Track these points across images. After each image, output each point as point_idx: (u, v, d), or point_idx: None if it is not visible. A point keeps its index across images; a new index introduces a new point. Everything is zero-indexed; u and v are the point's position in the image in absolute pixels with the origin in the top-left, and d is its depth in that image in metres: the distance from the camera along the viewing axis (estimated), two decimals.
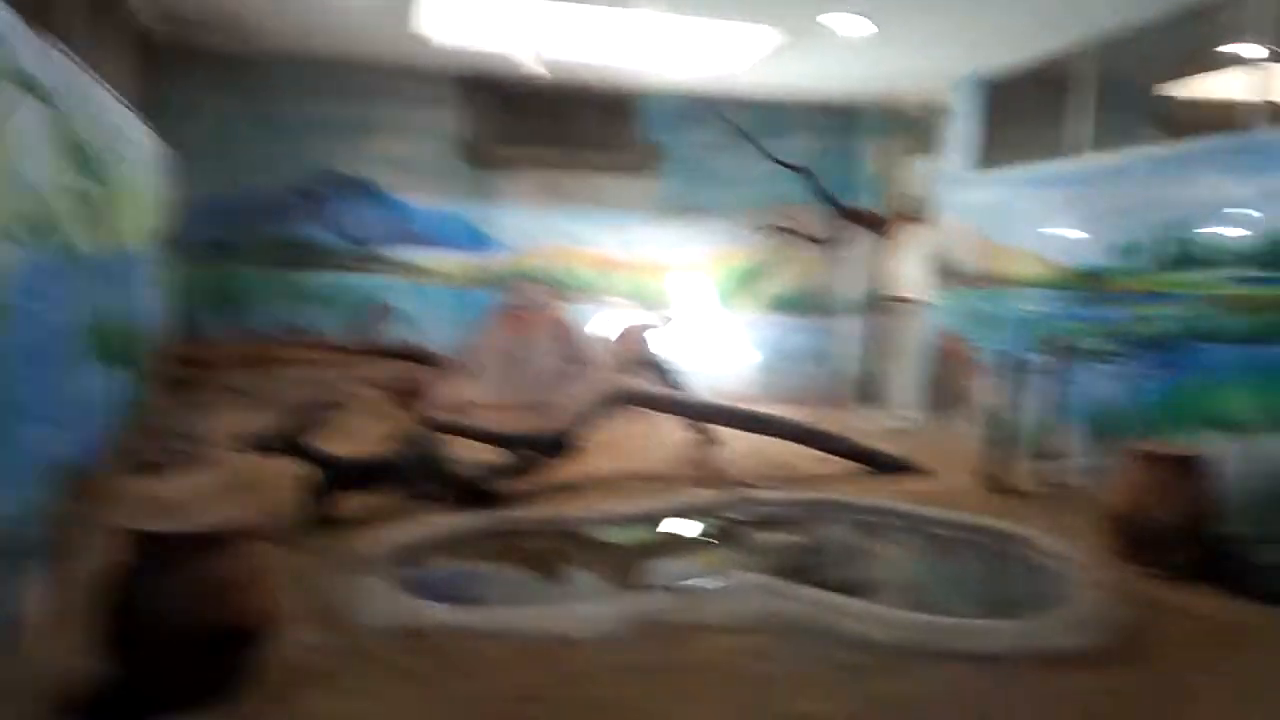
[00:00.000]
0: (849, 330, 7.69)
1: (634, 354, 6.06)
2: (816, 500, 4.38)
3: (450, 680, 2.47)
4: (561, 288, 7.26)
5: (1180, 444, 3.88)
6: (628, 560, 3.76)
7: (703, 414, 5.32)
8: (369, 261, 6.92)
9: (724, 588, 3.19)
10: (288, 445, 3.82)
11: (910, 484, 4.90)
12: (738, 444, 5.41)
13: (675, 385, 5.57)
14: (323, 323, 6.78)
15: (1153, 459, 3.50)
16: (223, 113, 6.56)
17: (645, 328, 6.57)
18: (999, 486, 4.70)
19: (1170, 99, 5.04)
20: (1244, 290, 3.88)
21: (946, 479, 4.98)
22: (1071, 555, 3.51)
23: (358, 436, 4.34)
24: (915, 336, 6.81)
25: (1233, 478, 3.58)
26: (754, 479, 4.70)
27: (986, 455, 4.87)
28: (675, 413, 5.31)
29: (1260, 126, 4.04)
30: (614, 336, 6.85)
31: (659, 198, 7.40)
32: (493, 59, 6.29)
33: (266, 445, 3.81)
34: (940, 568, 3.81)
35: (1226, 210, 4.08)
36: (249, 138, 6.61)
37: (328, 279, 6.84)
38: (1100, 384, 4.62)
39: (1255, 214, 3.90)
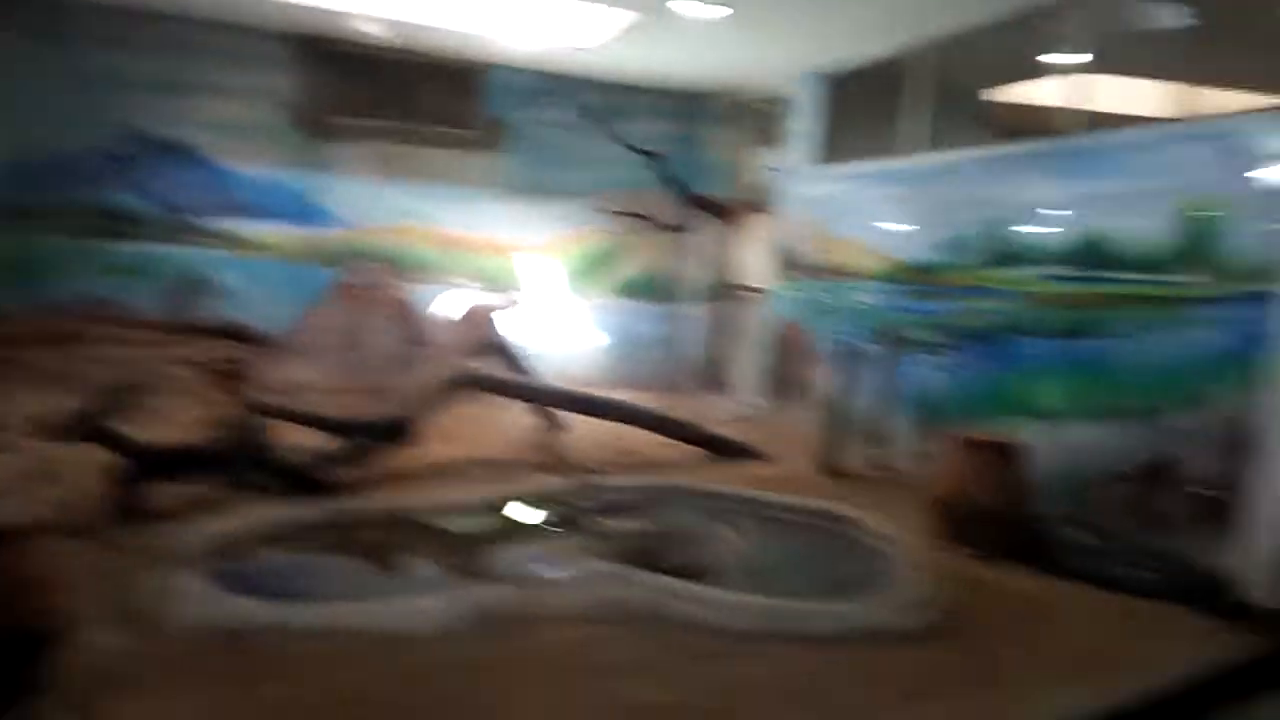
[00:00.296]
0: (695, 317, 7.79)
1: (478, 337, 5.91)
2: (661, 486, 4.38)
3: (267, 683, 2.31)
4: (401, 266, 6.97)
5: (998, 431, 4.11)
6: (469, 550, 3.64)
7: (549, 399, 5.25)
8: (186, 231, 6.40)
9: (568, 576, 3.14)
10: (93, 431, 3.49)
11: (751, 469, 5.01)
12: (584, 430, 5.38)
13: (521, 369, 5.46)
14: (134, 297, 6.25)
15: (973, 445, 3.69)
16: (23, 65, 5.93)
17: (490, 309, 6.43)
18: (834, 471, 4.86)
19: (997, 103, 5.33)
20: (1059, 287, 4.14)
21: (786, 464, 5.11)
22: (899, 537, 3.65)
23: (172, 421, 4.02)
24: (758, 325, 6.95)
25: (1045, 463, 3.82)
26: (599, 465, 4.67)
27: (823, 441, 5.02)
28: (520, 398, 5.22)
29: (1078, 132, 4.32)
30: (457, 318, 6.66)
31: (505, 176, 7.23)
32: (330, 17, 5.95)
33: (69, 431, 3.47)
34: (778, 551, 3.89)
35: (1045, 211, 4.34)
36: (53, 94, 6.00)
37: (140, 250, 6.29)
38: (927, 374, 4.84)
39: (1070, 215, 4.17)
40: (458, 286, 7.05)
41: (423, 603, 2.90)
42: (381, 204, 6.86)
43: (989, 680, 2.57)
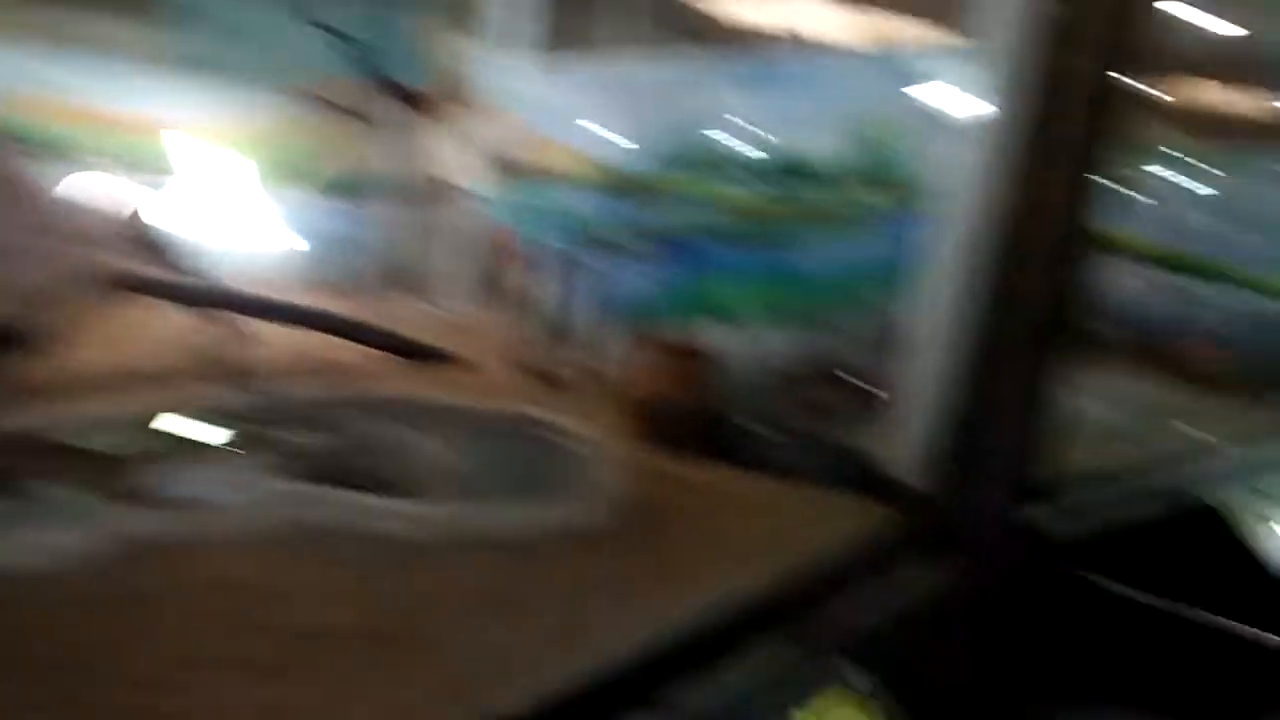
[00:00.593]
0: (395, 217, 7.34)
1: (129, 229, 5.16)
2: (351, 396, 4.11)
3: None
4: (26, 142, 5.89)
5: (692, 335, 4.26)
6: (119, 472, 3.20)
7: (220, 302, 4.72)
8: None
9: (239, 498, 2.84)
10: None
11: (452, 376, 4.84)
12: (265, 337, 4.93)
13: (185, 268, 4.86)
14: None
15: (667, 348, 3.77)
16: None
17: (142, 198, 5.63)
18: (538, 376, 4.82)
19: (708, 14, 5.38)
20: (754, 199, 4.30)
21: (488, 370, 5.00)
22: (597, 440, 3.69)
23: None
24: (461, 227, 6.69)
25: (733, 365, 4.01)
26: (279, 374, 4.29)
27: (527, 346, 4.95)
28: (184, 300, 4.64)
29: (778, 51, 4.46)
30: (101, 206, 5.78)
31: (166, 47, 6.29)
32: None
33: None
34: (475, 459, 3.80)
35: (745, 124, 4.47)
36: None
37: None
38: (630, 279, 4.89)
39: (768, 130, 4.33)
40: (101, 170, 6.09)
41: (56, 534, 2.50)
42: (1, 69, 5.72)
43: (680, 570, 2.65)
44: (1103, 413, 5.19)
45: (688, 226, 4.56)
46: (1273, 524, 3.83)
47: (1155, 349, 6.64)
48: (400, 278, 7.29)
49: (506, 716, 1.79)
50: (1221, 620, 3.07)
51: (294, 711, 1.83)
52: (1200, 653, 3.89)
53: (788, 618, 2.51)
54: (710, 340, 3.92)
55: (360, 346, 4.92)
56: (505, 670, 2.02)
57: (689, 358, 3.76)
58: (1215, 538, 3.74)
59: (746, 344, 4.14)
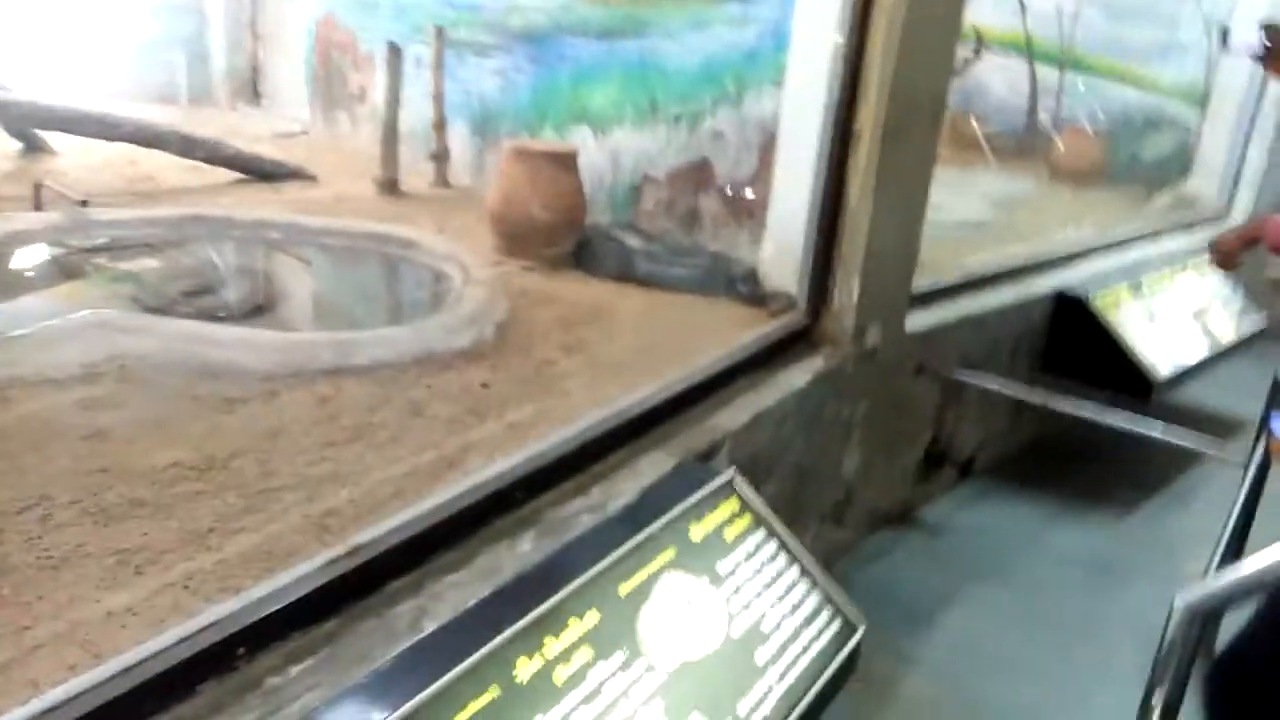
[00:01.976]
0: (222, 12, 6.55)
1: None
2: (183, 217, 3.74)
3: None
4: None
5: (551, 140, 4.01)
6: None
7: (23, 117, 4.17)
8: None
9: (53, 330, 2.56)
10: None
11: (298, 192, 4.48)
12: (82, 155, 4.42)
13: None
14: None
15: (528, 156, 3.53)
16: None
17: None
18: (392, 190, 4.50)
19: None
20: None
21: (337, 185, 4.64)
22: (458, 256, 3.49)
23: None
24: (294, 23, 6.04)
25: (597, 171, 3.80)
26: (101, 195, 3.85)
27: (379, 158, 4.59)
28: None
29: None
30: None
31: None
32: None
33: None
34: (328, 280, 3.56)
35: None
36: None
37: None
38: (479, 79, 4.52)
39: None
40: None
41: None
42: None
43: (546, 383, 2.56)
44: (973, 210, 5.28)
45: (537, 16, 4.18)
46: (1131, 310, 4.02)
47: (1025, 142, 6.74)
48: (240, 85, 6.62)
49: (369, 545, 1.69)
50: (1075, 404, 3.22)
51: (152, 551, 1.69)
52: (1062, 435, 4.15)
53: (670, 426, 2.47)
54: (570, 145, 3.69)
55: (198, 163, 4.47)
56: (369, 499, 1.91)
57: (549, 165, 3.52)
58: (1081, 325, 3.90)
59: (610, 148, 3.92)
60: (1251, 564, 1.56)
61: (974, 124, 6.26)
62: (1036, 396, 3.37)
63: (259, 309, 3.03)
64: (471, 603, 1.69)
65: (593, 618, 1.73)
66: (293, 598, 1.56)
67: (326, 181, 4.70)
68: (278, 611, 1.54)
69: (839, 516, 3.28)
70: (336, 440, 2.14)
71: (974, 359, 3.63)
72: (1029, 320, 3.95)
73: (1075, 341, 3.92)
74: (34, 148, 4.54)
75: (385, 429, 2.22)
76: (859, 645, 2.13)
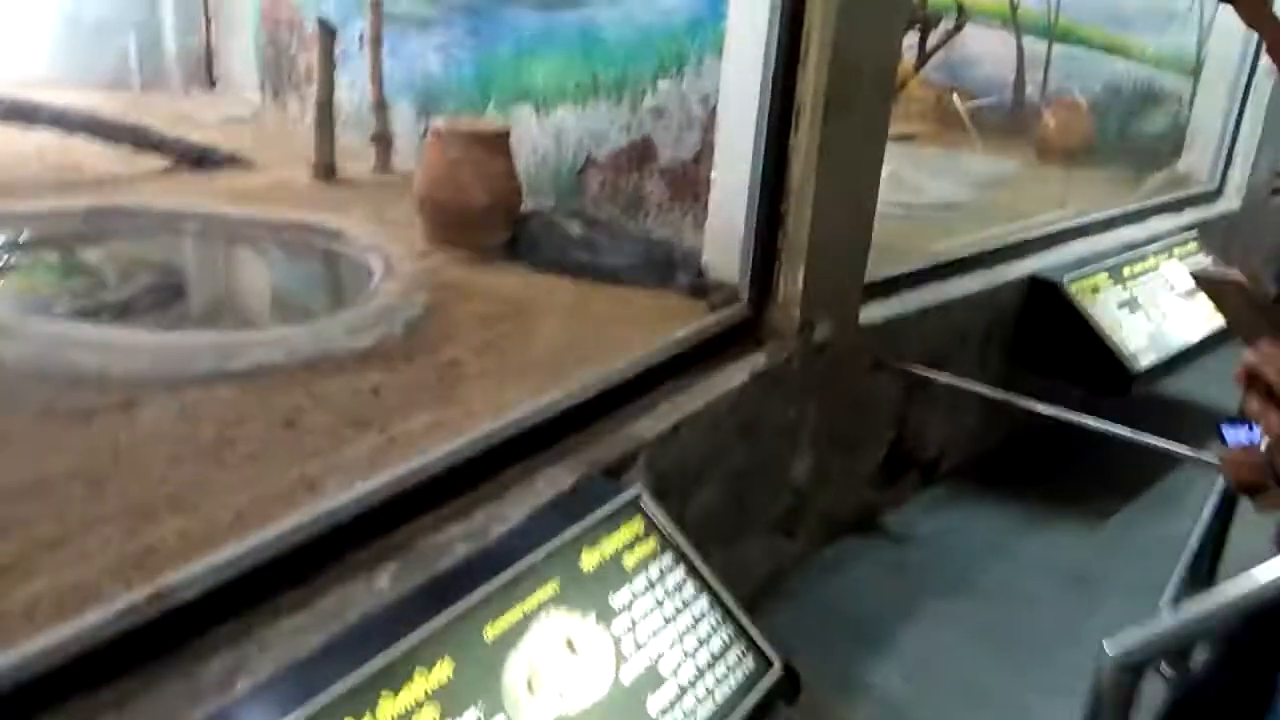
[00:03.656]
0: None
1: None
2: (93, 209, 3.49)
3: None
4: None
5: (482, 120, 3.76)
6: None
7: None
8: None
9: None
10: None
11: (232, 181, 4.23)
12: (9, 144, 4.20)
13: None
14: None
15: (454, 137, 3.28)
16: None
17: None
18: (327, 175, 4.25)
19: None
20: None
21: (275, 172, 4.39)
22: (383, 247, 3.24)
23: None
24: (243, 0, 5.78)
25: (532, 152, 3.55)
26: (18, 185, 3.62)
27: (316, 141, 4.33)
28: None
29: None
30: None
31: None
32: None
33: None
34: (237, 274, 3.32)
35: None
36: None
37: None
38: (423, 55, 4.25)
39: None
40: None
41: None
42: None
43: (443, 393, 2.32)
44: (951, 191, 5.00)
45: None
46: (1110, 296, 3.76)
47: (1013, 118, 6.45)
48: (192, 67, 6.36)
49: (181, 586, 1.46)
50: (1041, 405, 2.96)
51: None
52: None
53: (580, 437, 2.24)
54: (503, 125, 3.43)
55: (135, 150, 4.23)
56: (202, 529, 1.68)
57: (480, 147, 3.27)
58: (1055, 313, 3.65)
59: (546, 128, 3.65)
60: (1200, 604, 1.32)
61: (956, 100, 5.97)
62: (999, 393, 3.12)
63: (153, 306, 2.79)
64: (302, 654, 1.46)
65: (444, 669, 1.49)
66: (72, 653, 1.33)
67: (265, 168, 4.45)
68: (53, 673, 1.31)
69: (789, 527, 3.04)
70: (186, 457, 1.91)
71: (939, 351, 3.38)
72: (1000, 308, 3.69)
73: (1049, 331, 3.66)
74: None
75: (246, 444, 1.98)
76: (777, 685, 1.89)
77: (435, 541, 1.79)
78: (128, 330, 2.48)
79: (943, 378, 3.12)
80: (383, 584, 1.66)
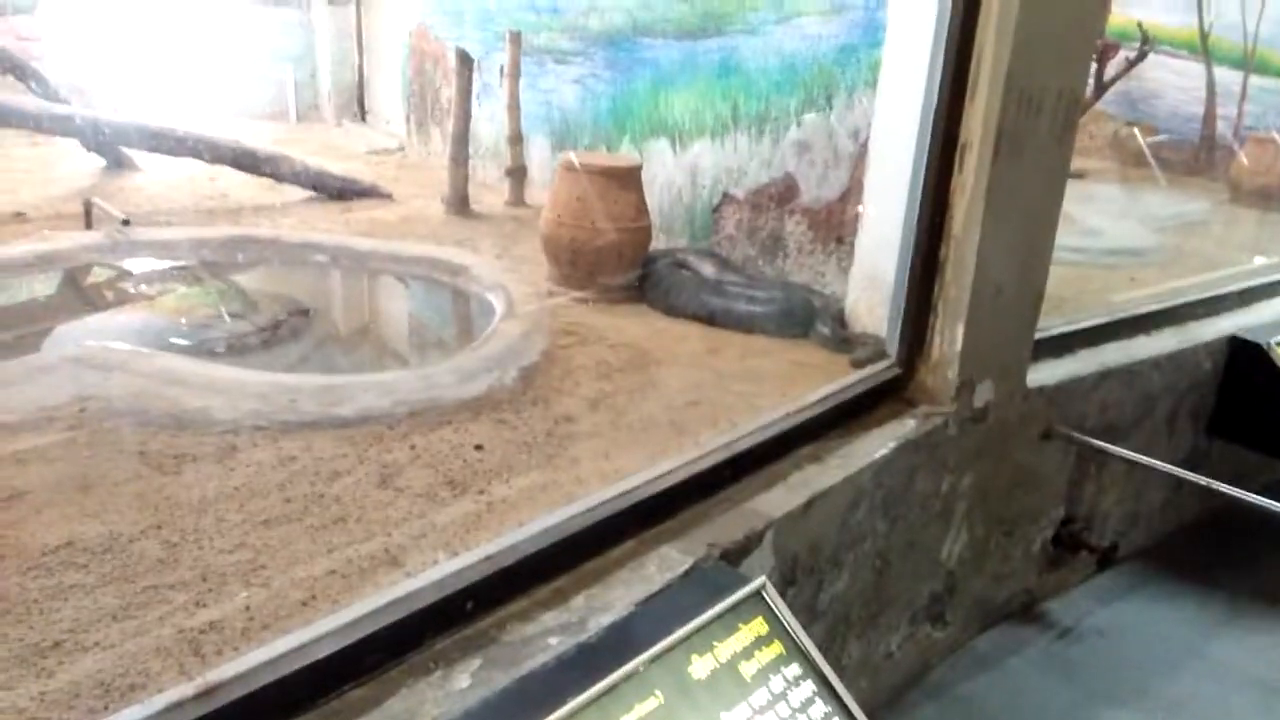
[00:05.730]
0: (332, 24, 6.48)
1: None
2: (230, 238, 3.52)
3: None
4: None
5: (619, 154, 3.58)
6: None
7: (98, 134, 4.09)
8: None
9: (30, 365, 2.32)
10: None
11: (370, 213, 4.23)
12: (165, 172, 4.34)
13: (48, 92, 4.20)
14: None
15: (582, 171, 3.10)
16: None
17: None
18: (461, 209, 4.18)
19: None
20: None
21: (413, 204, 4.38)
22: (506, 285, 3.10)
23: None
24: (392, 32, 5.87)
25: (675, 188, 3.34)
26: (165, 213, 3.70)
27: (451, 174, 4.28)
28: (49, 129, 4.01)
29: None
30: None
31: None
32: None
33: None
34: (356, 310, 3.25)
35: None
36: None
37: None
38: (559, 87, 4.14)
39: None
40: None
41: None
42: None
43: (550, 453, 2.11)
44: (1126, 237, 4.51)
45: (617, 16, 3.71)
46: None
47: (1201, 155, 5.84)
48: (347, 99, 6.53)
49: (234, 682, 1.29)
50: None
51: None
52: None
53: (698, 510, 1.98)
54: (635, 160, 3.25)
55: (278, 182, 4.31)
56: (271, 606, 1.52)
57: (610, 183, 3.09)
58: (1260, 379, 3.16)
59: (683, 163, 3.44)
60: None
61: (1138, 135, 5.44)
62: (1190, 475, 2.67)
63: (272, 341, 2.72)
64: None
65: None
66: None
67: (402, 199, 4.45)
68: None
69: (938, 613, 2.68)
70: (272, 517, 1.76)
71: (1121, 419, 2.95)
72: (1194, 372, 3.21)
73: (1253, 399, 3.16)
74: (118, 165, 4.48)
75: (338, 504, 1.82)
76: None
77: (525, 633, 1.57)
78: (237, 368, 2.40)
79: (1124, 453, 2.70)
80: (462, 683, 1.44)
